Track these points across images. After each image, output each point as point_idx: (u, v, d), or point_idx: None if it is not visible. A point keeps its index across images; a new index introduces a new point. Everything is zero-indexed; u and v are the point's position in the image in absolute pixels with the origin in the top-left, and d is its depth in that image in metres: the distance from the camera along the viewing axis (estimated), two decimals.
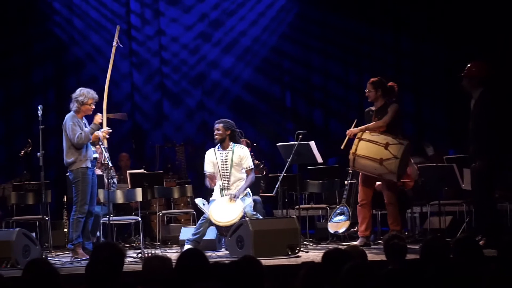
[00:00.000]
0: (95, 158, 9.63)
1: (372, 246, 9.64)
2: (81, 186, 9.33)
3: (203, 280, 4.45)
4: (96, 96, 9.51)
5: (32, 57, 14.12)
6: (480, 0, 13.24)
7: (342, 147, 9.55)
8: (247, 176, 9.72)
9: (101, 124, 9.47)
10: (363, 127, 9.48)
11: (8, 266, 8.54)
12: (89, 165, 9.38)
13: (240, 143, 9.86)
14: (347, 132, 9.56)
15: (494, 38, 13.13)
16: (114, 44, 9.90)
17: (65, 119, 9.48)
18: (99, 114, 9.46)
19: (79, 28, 14.28)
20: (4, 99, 13.98)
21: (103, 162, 9.64)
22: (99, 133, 9.44)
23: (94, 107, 9.48)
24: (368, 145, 9.31)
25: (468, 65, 9.07)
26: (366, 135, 9.36)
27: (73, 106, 9.47)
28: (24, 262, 7.60)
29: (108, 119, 9.65)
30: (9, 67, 13.99)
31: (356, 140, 9.36)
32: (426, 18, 13.98)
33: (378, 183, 9.74)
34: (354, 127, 9.59)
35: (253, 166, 9.84)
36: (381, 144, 9.24)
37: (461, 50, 13.23)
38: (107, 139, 9.57)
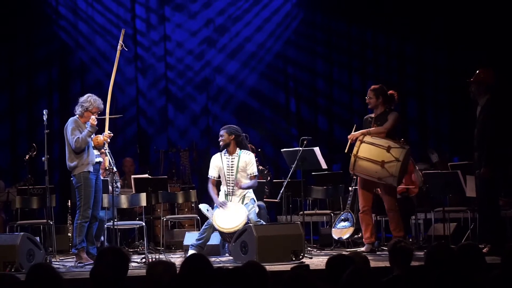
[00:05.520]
0: (98, 163, 9.57)
1: (377, 253, 9.62)
2: (83, 190, 9.31)
3: (207, 286, 4.45)
4: (102, 107, 9.45)
5: (37, 61, 14.12)
6: (486, 5, 13.23)
7: (345, 151, 9.53)
8: None
9: (97, 125, 9.41)
10: (364, 130, 9.47)
11: (12, 270, 8.51)
12: (91, 169, 9.33)
13: (248, 148, 9.84)
14: (348, 137, 9.54)
15: (500, 44, 13.12)
16: (119, 48, 9.89)
17: (67, 123, 9.46)
18: (93, 117, 9.35)
19: (84, 32, 14.29)
20: (8, 103, 13.98)
21: (107, 167, 9.61)
22: (101, 137, 9.44)
23: (97, 116, 9.44)
24: (370, 148, 9.29)
25: (477, 71, 9.08)
26: (368, 138, 9.35)
27: (78, 110, 9.44)
28: (28, 266, 7.63)
29: (109, 122, 9.65)
30: (14, 71, 14.02)
31: (357, 143, 9.33)
32: (430, 24, 13.99)
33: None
34: (354, 132, 9.59)
35: (257, 173, 9.80)
36: (383, 147, 9.23)
37: (466, 56, 13.22)
38: (108, 143, 9.55)
